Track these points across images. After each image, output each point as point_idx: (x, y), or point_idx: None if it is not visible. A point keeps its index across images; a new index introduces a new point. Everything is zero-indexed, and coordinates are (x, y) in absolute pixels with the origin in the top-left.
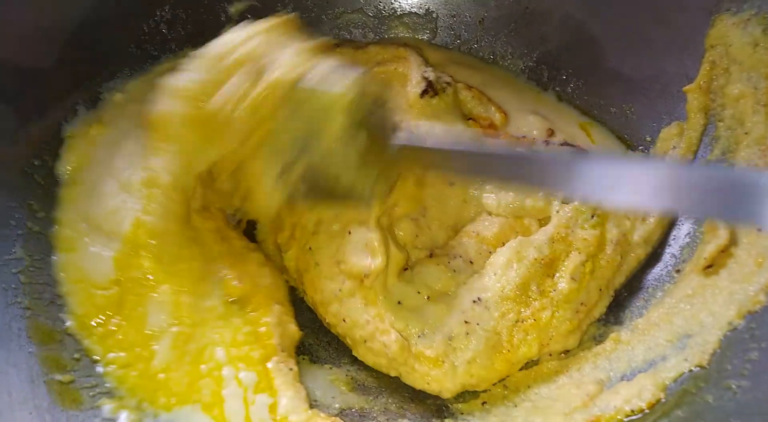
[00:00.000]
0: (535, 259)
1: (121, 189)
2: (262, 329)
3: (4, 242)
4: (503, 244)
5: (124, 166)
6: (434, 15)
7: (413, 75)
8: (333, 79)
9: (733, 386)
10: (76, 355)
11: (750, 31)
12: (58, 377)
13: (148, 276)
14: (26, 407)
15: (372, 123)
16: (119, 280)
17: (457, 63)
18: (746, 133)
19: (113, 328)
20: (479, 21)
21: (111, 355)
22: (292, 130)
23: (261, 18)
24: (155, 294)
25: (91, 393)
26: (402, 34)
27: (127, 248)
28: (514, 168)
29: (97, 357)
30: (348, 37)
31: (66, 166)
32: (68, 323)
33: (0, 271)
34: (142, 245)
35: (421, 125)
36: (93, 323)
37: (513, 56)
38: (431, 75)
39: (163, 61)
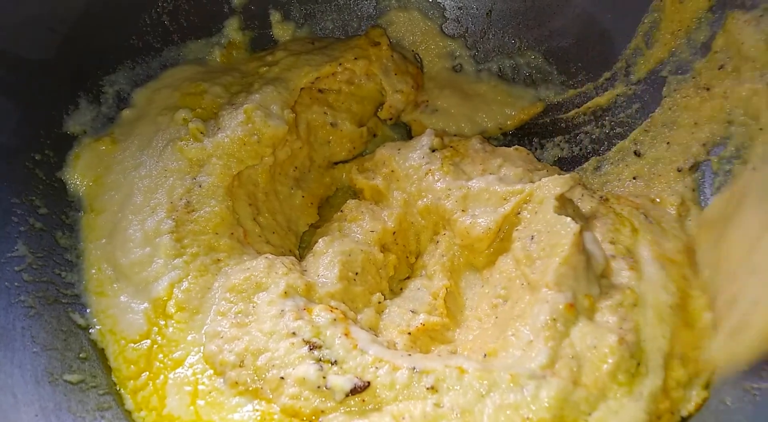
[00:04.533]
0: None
1: (146, 240)
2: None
3: (5, 239)
4: None
5: (146, 207)
6: (442, 6)
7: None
8: None
9: (751, 388)
10: (82, 355)
11: (762, 28)
12: (65, 377)
13: (172, 347)
14: (32, 408)
15: None
16: (149, 334)
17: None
18: (761, 129)
19: (141, 383)
20: (487, 13)
21: (143, 413)
22: None
23: (264, 10)
24: (173, 374)
25: (100, 392)
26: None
27: (158, 311)
28: None
29: (129, 409)
30: (350, 29)
31: (75, 180)
32: (112, 378)
33: (2, 269)
34: (170, 316)
35: None
36: (125, 373)
37: (521, 49)
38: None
39: (165, 54)
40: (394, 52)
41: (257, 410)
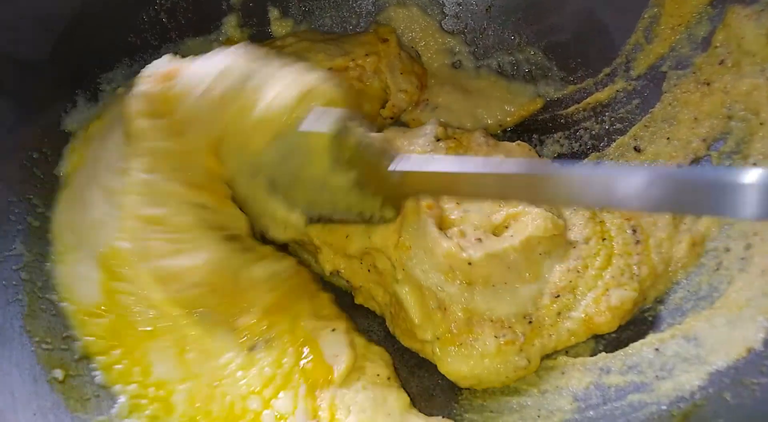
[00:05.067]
0: None
1: (105, 197)
2: (306, 363)
3: (3, 238)
4: None
5: (106, 166)
6: (441, 2)
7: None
8: (316, 120)
9: (751, 383)
10: (77, 356)
11: (763, 23)
12: (63, 375)
13: (137, 317)
14: (30, 407)
15: (362, 157)
16: (108, 308)
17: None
18: (761, 124)
19: (116, 357)
20: (486, 9)
21: (117, 387)
22: (284, 168)
23: (262, 7)
24: (152, 343)
25: (98, 389)
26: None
27: (107, 274)
28: (520, 185)
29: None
30: (349, 26)
31: (67, 167)
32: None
33: (0, 268)
34: (117, 275)
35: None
36: (94, 348)
37: (520, 45)
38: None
39: (162, 52)
40: (402, 51)
41: None
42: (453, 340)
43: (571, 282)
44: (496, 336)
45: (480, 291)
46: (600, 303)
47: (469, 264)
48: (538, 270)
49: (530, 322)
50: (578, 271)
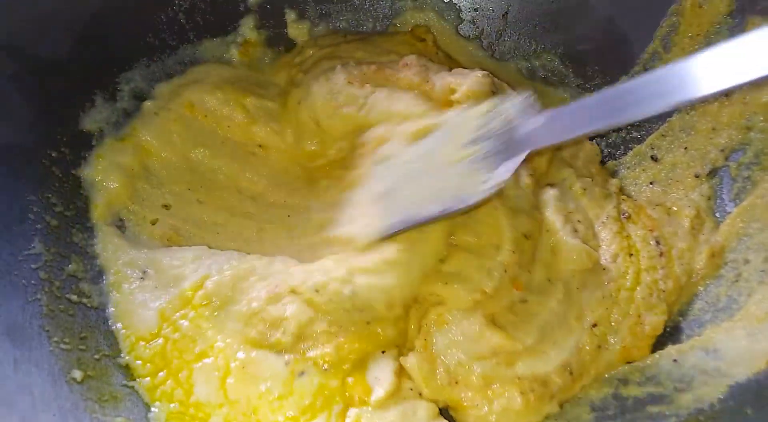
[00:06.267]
0: None
1: None
2: (333, 383)
3: (22, 237)
4: None
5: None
6: (458, 7)
7: None
8: None
9: None
10: (99, 353)
11: None
12: (82, 376)
13: (190, 343)
14: (50, 408)
15: None
16: (163, 334)
17: None
18: None
19: (160, 380)
20: (502, 15)
21: (156, 404)
22: None
23: (279, 9)
24: (198, 364)
25: (117, 390)
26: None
27: (181, 304)
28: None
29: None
30: (365, 29)
31: (97, 178)
32: (121, 357)
33: (19, 267)
34: (196, 306)
35: None
36: (140, 370)
37: (537, 51)
38: None
39: (180, 52)
40: (439, 50)
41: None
42: (467, 406)
43: (607, 309)
44: (522, 393)
45: (524, 361)
46: (636, 334)
47: (524, 349)
48: (579, 308)
49: (571, 373)
50: (612, 296)
